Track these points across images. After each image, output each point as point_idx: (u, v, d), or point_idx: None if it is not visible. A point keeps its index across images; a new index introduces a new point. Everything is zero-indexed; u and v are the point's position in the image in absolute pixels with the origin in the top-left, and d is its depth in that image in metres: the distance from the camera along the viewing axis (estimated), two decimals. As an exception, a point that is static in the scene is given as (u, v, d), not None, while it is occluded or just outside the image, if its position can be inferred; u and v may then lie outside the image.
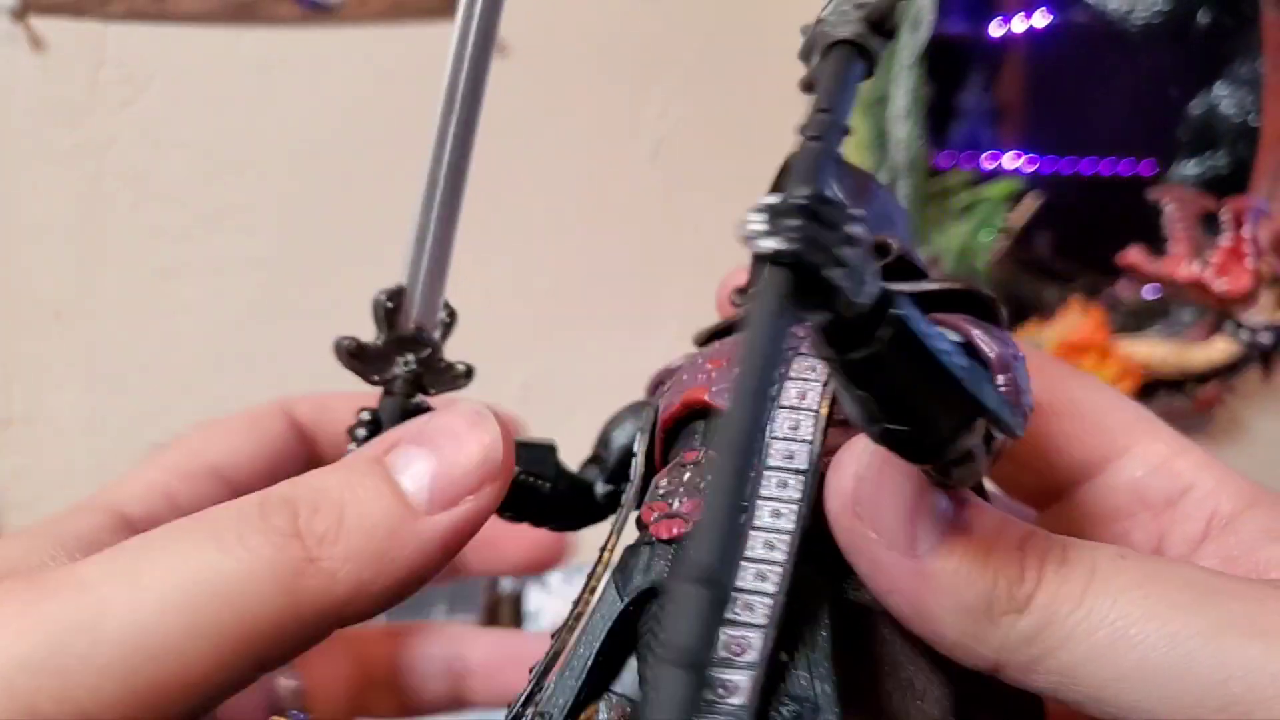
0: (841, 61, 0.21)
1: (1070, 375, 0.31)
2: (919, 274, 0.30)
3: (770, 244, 0.18)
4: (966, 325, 0.27)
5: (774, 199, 0.18)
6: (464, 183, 0.28)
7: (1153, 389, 1.01)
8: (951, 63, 0.98)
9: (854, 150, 0.95)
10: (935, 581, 0.25)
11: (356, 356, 0.28)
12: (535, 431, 0.38)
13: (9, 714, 0.23)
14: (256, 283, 1.01)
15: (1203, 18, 1.00)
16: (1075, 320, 0.99)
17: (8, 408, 1.03)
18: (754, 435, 0.17)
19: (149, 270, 1.00)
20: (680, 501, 0.28)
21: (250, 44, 0.95)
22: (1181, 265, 0.97)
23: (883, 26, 0.23)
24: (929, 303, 0.28)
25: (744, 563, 0.26)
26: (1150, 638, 0.23)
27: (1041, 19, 1.01)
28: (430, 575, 0.27)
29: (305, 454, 0.35)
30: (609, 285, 1.04)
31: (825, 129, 0.20)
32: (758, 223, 0.18)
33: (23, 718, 0.23)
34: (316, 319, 1.01)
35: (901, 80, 0.91)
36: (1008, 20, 1.01)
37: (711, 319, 0.39)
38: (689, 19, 0.95)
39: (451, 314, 0.29)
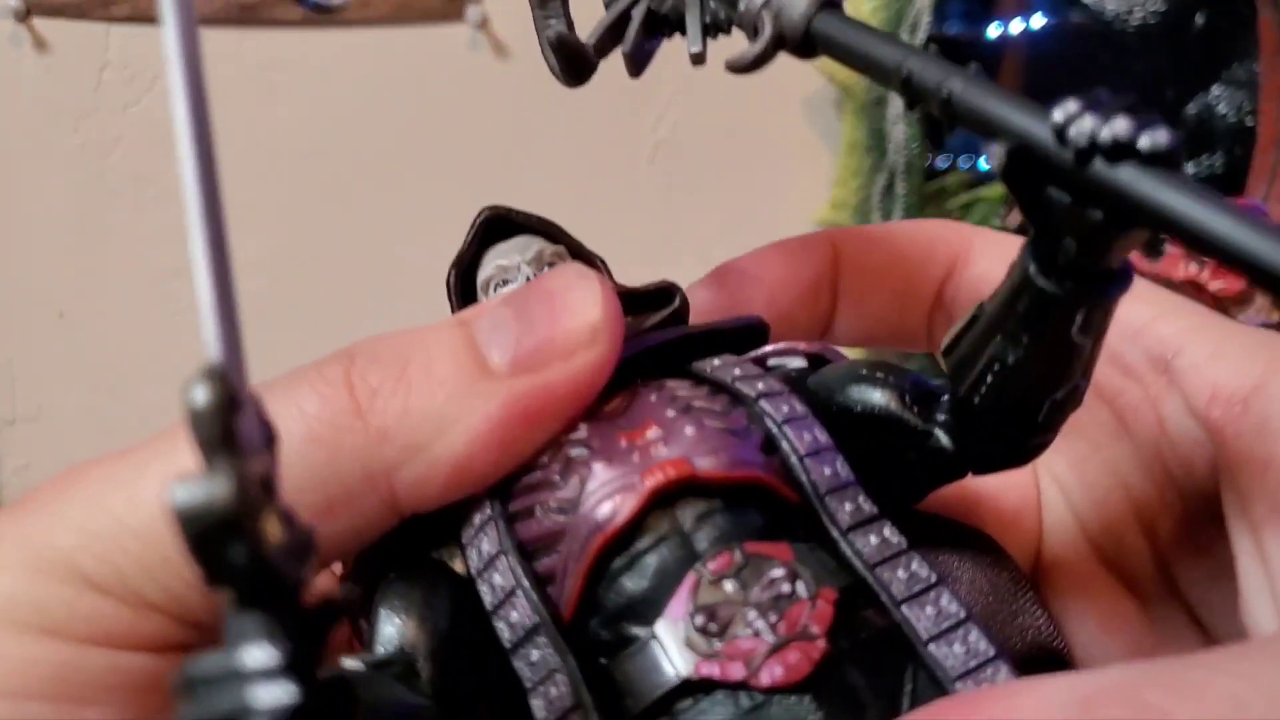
0: None
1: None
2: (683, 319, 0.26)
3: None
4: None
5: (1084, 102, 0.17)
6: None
7: (1149, 388, 1.01)
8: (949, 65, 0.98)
9: (852, 153, 0.96)
10: None
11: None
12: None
13: (56, 572, 0.21)
14: (259, 283, 1.01)
15: (1199, 20, 1.00)
16: (1072, 320, 1.00)
17: (11, 406, 1.04)
18: None
19: (152, 270, 1.00)
20: (771, 625, 0.19)
21: (253, 46, 0.96)
22: (1178, 265, 0.97)
23: None
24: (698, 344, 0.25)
25: None
26: None
27: (1038, 21, 1.01)
28: (498, 461, 0.22)
29: None
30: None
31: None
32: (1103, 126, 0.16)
33: (67, 576, 0.21)
34: (319, 319, 1.02)
35: (899, 82, 0.91)
36: (1005, 23, 1.02)
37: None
38: (688, 21, 0.96)
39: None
